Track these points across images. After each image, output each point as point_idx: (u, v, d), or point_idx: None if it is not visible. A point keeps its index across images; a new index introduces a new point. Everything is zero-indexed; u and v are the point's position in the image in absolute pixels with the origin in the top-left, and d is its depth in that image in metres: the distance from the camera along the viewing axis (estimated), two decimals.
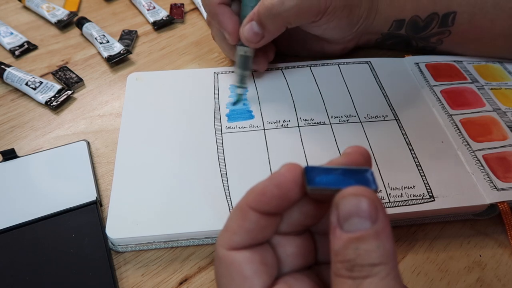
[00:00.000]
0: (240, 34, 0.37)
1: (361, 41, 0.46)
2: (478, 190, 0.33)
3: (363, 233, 0.17)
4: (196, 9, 0.56)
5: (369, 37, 0.46)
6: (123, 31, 0.51)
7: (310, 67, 0.44)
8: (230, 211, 0.32)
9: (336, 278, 0.18)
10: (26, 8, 0.55)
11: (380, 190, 0.33)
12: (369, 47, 0.48)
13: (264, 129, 0.38)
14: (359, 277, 0.17)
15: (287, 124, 0.38)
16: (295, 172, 0.20)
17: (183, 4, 0.55)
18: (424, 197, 0.32)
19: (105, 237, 0.31)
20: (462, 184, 0.33)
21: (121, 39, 0.50)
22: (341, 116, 0.39)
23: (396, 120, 0.39)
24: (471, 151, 0.35)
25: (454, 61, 0.45)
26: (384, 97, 0.41)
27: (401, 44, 0.46)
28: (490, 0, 0.41)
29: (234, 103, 0.40)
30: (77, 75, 0.45)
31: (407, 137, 0.37)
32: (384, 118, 0.39)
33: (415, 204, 0.32)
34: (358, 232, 0.17)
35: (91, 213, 0.32)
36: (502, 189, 0.33)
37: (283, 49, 0.46)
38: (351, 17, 0.40)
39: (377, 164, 0.35)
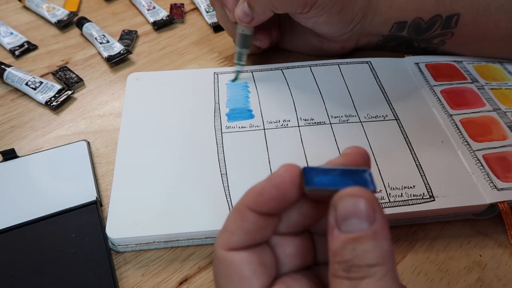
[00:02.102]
0: (234, 13, 0.38)
1: (361, 43, 0.46)
2: (478, 190, 0.33)
3: (361, 234, 0.17)
4: (196, 9, 0.56)
5: (369, 38, 0.45)
6: (123, 31, 0.51)
7: (310, 67, 0.44)
8: (230, 211, 0.32)
9: (333, 279, 0.18)
10: (26, 8, 0.55)
11: (380, 190, 0.33)
12: (370, 49, 0.48)
13: (264, 129, 0.37)
14: (356, 278, 0.17)
15: (287, 124, 0.38)
16: (293, 173, 0.20)
17: (183, 4, 0.55)
18: (424, 197, 0.32)
19: (105, 237, 0.31)
20: (462, 184, 0.33)
21: (121, 39, 0.50)
22: (341, 116, 0.39)
23: (396, 120, 0.39)
24: (471, 151, 0.35)
25: (454, 61, 0.45)
26: (384, 97, 0.41)
27: (402, 45, 0.46)
28: (494, 2, 0.41)
29: (233, 80, 0.42)
30: (77, 75, 0.45)
31: (407, 137, 0.37)
32: (384, 118, 0.39)
33: (415, 204, 0.32)
34: (355, 233, 0.17)
35: (91, 213, 0.32)
36: (502, 189, 0.33)
37: (285, 43, 0.46)
38: (343, 14, 0.40)
39: (377, 164, 0.35)
